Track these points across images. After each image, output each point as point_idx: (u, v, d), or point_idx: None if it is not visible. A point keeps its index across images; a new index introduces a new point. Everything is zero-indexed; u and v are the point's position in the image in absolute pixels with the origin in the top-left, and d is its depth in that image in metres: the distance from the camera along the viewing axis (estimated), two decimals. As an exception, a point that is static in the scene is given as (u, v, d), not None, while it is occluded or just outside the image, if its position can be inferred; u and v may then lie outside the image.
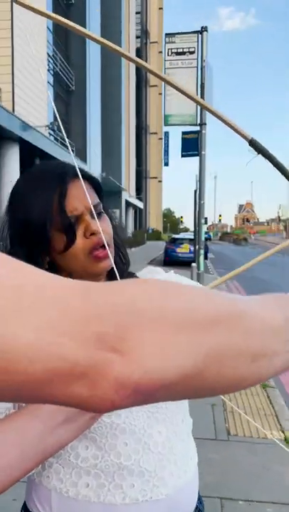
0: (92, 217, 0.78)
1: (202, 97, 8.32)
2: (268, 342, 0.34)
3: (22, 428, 0.58)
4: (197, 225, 9.25)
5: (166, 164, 43.25)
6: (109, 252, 0.77)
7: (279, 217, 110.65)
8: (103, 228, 0.79)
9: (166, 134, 40.38)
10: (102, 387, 0.27)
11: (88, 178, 0.83)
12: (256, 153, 0.57)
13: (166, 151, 40.59)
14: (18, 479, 0.58)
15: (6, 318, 0.25)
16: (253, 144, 0.56)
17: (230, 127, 0.57)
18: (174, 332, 0.29)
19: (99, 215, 0.80)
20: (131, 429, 0.77)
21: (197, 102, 0.61)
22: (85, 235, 0.77)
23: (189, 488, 0.85)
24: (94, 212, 0.77)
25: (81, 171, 0.82)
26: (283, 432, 3.18)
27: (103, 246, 0.77)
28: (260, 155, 0.57)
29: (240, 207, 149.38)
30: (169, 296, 0.31)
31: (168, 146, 39.99)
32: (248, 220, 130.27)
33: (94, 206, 0.79)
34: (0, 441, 0.56)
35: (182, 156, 9.98)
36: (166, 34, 9.79)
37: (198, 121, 9.16)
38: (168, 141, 40.02)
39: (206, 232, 10.82)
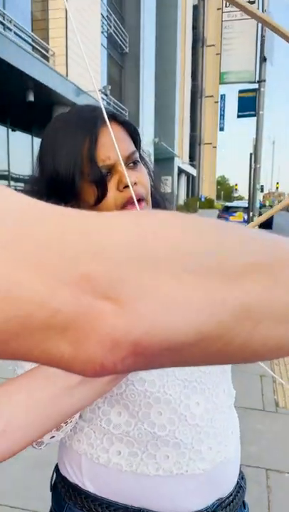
0: (128, 167, 0.71)
1: (262, 49, 7.71)
2: None
3: (32, 389, 0.53)
4: (252, 190, 8.86)
5: (222, 129, 41.49)
6: (139, 207, 0.69)
7: None
8: (139, 180, 0.71)
9: (223, 96, 38.58)
10: (91, 343, 0.20)
11: (123, 123, 0.74)
12: None
13: (222, 115, 38.87)
14: (36, 439, 0.55)
15: None
16: None
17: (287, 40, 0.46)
18: (193, 278, 0.21)
19: (134, 164, 0.72)
20: (166, 398, 0.71)
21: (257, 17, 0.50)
22: (118, 187, 0.69)
23: (230, 464, 0.79)
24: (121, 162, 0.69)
25: (115, 114, 0.74)
26: None
27: (139, 200, 0.69)
28: None
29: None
30: (190, 232, 0.22)
31: (224, 110, 38.28)
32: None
33: (129, 155, 0.71)
34: (12, 403, 0.52)
35: (238, 116, 9.45)
36: (224, -18, 9.11)
37: (257, 79, 8.55)
38: (224, 104, 38.26)
39: (259, 201, 10.38)
